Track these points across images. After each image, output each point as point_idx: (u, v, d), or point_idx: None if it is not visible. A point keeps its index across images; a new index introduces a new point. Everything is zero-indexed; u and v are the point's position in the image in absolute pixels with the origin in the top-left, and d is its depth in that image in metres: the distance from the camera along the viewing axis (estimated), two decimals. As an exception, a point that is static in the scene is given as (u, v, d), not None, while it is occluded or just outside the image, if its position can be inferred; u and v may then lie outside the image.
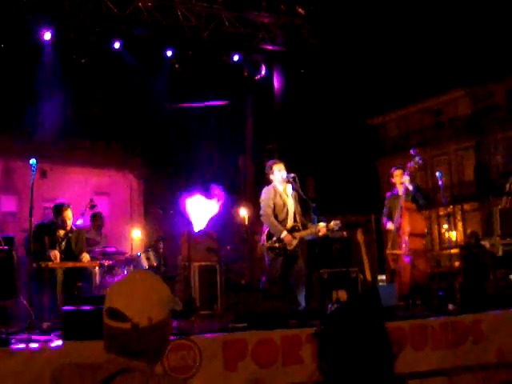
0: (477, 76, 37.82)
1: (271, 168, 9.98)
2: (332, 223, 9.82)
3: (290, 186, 9.93)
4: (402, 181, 10.96)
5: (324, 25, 17.07)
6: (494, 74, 36.58)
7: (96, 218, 12.77)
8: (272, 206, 9.79)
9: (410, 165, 10.87)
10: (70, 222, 9.61)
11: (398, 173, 11.18)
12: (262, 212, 9.94)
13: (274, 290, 9.27)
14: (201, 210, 13.33)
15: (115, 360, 2.59)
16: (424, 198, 11.42)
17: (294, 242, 9.74)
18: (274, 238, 9.67)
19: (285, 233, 9.63)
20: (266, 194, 9.93)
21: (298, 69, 16.88)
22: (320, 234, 9.80)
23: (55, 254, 9.23)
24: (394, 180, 11.28)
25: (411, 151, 11.15)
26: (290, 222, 9.82)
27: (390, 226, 11.06)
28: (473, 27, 36.27)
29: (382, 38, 36.67)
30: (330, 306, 8.94)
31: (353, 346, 2.62)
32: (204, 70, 16.56)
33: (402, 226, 10.75)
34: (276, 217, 9.77)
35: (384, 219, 11.35)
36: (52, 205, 10.10)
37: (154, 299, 2.64)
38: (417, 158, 10.85)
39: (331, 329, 2.72)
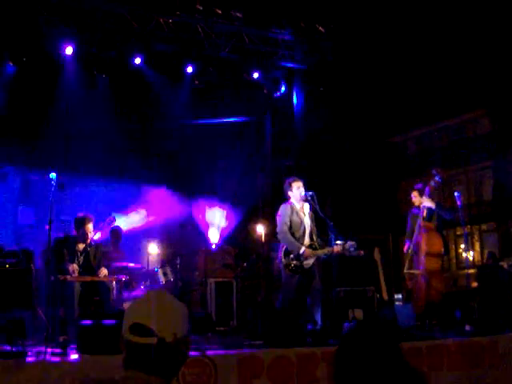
0: (497, 96, 37.70)
1: (290, 185, 9.95)
2: (347, 244, 9.76)
3: (307, 205, 9.90)
4: (421, 201, 10.92)
5: (344, 43, 17.10)
6: (513, 94, 36.46)
7: (115, 233, 12.78)
8: (288, 223, 9.76)
9: (430, 184, 10.85)
10: (90, 236, 9.62)
11: (414, 194, 11.17)
12: (278, 229, 9.91)
13: (290, 308, 9.25)
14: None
15: (133, 376, 2.60)
16: (450, 213, 11.37)
17: (312, 260, 9.70)
18: (291, 256, 9.64)
19: (303, 248, 9.59)
20: (282, 211, 9.90)
21: (318, 86, 16.89)
22: (334, 251, 9.72)
23: (74, 267, 9.25)
24: (413, 200, 11.26)
25: (432, 171, 11.12)
26: (306, 240, 9.79)
27: (406, 249, 11.05)
28: (494, 47, 36.19)
29: (403, 56, 36.64)
30: (346, 324, 8.91)
31: (368, 366, 2.61)
32: (224, 87, 16.61)
33: (420, 245, 10.71)
34: (293, 235, 9.74)
35: (405, 240, 11.32)
36: (70, 218, 10.13)
37: (177, 316, 2.68)
38: (436, 178, 10.81)
39: (347, 349, 2.71)
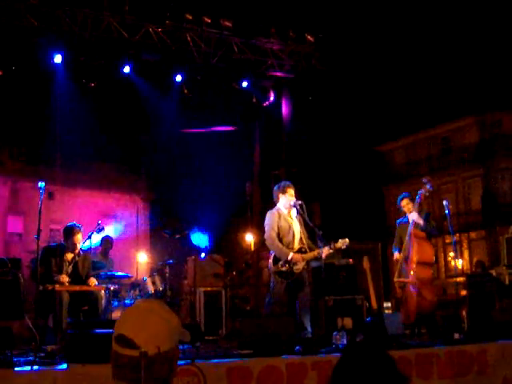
0: (485, 104, 37.90)
1: (285, 189, 9.87)
2: (339, 242, 9.74)
3: (294, 210, 9.89)
4: (411, 210, 10.91)
5: (332, 52, 17.16)
6: (502, 102, 36.65)
7: (106, 242, 12.76)
8: (276, 229, 9.74)
9: (421, 192, 10.84)
10: (79, 246, 9.61)
11: (404, 202, 11.13)
12: (266, 236, 9.89)
13: (278, 315, 9.25)
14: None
15: None
16: (435, 231, 11.37)
17: (302, 264, 9.69)
18: (281, 262, 9.63)
19: (291, 254, 9.57)
20: (270, 217, 9.88)
21: (307, 96, 16.92)
22: (324, 254, 9.70)
23: (64, 278, 9.23)
24: (402, 209, 11.22)
25: (423, 179, 11.12)
26: (296, 244, 9.77)
27: (396, 255, 11.03)
28: (482, 56, 36.42)
29: (390, 65, 36.82)
30: (334, 333, 8.90)
31: (365, 377, 2.62)
32: (213, 96, 16.62)
33: (410, 254, 10.69)
34: (281, 240, 9.72)
35: (393, 248, 11.31)
36: (59, 226, 10.12)
37: (163, 329, 2.65)
38: (428, 186, 10.81)
39: (348, 361, 2.72)
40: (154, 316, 2.67)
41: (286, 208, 9.87)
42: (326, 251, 9.65)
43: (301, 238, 9.84)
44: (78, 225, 9.72)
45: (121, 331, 2.62)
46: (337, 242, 9.77)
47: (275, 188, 10.13)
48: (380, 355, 2.67)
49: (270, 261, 9.80)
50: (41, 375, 5.96)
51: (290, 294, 9.71)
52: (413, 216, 10.84)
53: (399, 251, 10.96)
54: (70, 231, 9.61)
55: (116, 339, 2.62)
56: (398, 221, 11.48)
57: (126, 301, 11.42)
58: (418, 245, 10.69)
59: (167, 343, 2.64)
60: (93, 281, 9.58)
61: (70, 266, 9.56)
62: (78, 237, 9.59)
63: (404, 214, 11.25)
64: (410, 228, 10.77)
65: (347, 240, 9.82)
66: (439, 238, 35.95)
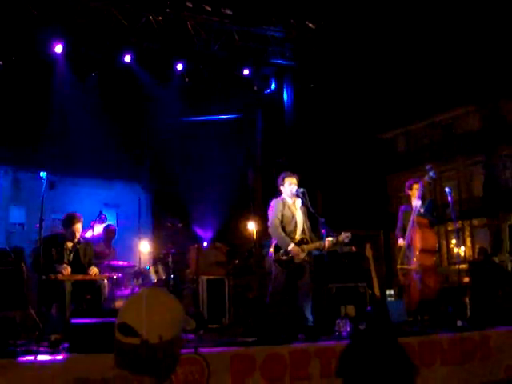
0: (487, 92, 37.76)
1: (283, 180, 9.97)
2: (342, 236, 9.77)
3: (299, 200, 9.93)
4: (417, 194, 10.89)
5: (334, 39, 17.09)
6: (504, 90, 36.52)
7: (109, 231, 12.75)
8: (280, 217, 9.78)
9: (425, 179, 10.84)
10: (78, 235, 9.59)
11: (417, 186, 11.08)
12: (269, 224, 9.93)
13: (279, 303, 9.26)
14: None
15: (124, 376, 2.59)
16: (435, 220, 11.34)
17: (302, 255, 9.71)
18: (282, 251, 9.65)
19: (292, 245, 9.61)
20: (274, 206, 9.93)
21: (308, 83, 16.87)
22: (326, 246, 9.72)
23: (67, 269, 9.21)
24: (411, 193, 11.15)
25: (426, 166, 11.11)
26: (298, 235, 9.80)
27: (400, 242, 11.01)
28: (484, 44, 36.25)
29: (393, 52, 36.64)
30: (338, 321, 8.90)
31: (374, 365, 2.62)
32: (214, 84, 16.58)
33: (413, 241, 10.68)
34: (284, 229, 9.75)
35: (396, 233, 11.26)
36: (61, 216, 10.09)
37: (166, 318, 2.65)
38: (431, 173, 10.81)
39: (355, 349, 2.72)
40: (157, 304, 2.67)
41: (289, 197, 9.90)
42: (328, 243, 9.67)
43: (303, 229, 9.87)
44: (77, 214, 9.71)
45: (123, 319, 2.62)
46: (340, 234, 9.79)
47: (277, 182, 10.19)
48: (390, 343, 2.67)
49: (271, 249, 9.84)
50: (44, 365, 5.97)
51: (290, 282, 9.73)
52: (416, 203, 10.84)
53: (403, 238, 10.95)
54: (69, 220, 9.59)
55: (118, 327, 2.62)
56: (403, 208, 11.46)
57: (129, 290, 11.41)
58: (421, 232, 10.69)
59: (170, 332, 2.63)
60: (93, 269, 9.57)
61: (71, 255, 9.55)
62: (78, 226, 9.57)
63: (409, 201, 11.23)
64: (413, 215, 10.77)
65: (349, 234, 9.84)
66: (442, 225, 35.90)
